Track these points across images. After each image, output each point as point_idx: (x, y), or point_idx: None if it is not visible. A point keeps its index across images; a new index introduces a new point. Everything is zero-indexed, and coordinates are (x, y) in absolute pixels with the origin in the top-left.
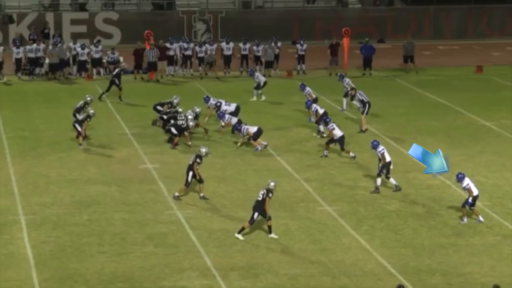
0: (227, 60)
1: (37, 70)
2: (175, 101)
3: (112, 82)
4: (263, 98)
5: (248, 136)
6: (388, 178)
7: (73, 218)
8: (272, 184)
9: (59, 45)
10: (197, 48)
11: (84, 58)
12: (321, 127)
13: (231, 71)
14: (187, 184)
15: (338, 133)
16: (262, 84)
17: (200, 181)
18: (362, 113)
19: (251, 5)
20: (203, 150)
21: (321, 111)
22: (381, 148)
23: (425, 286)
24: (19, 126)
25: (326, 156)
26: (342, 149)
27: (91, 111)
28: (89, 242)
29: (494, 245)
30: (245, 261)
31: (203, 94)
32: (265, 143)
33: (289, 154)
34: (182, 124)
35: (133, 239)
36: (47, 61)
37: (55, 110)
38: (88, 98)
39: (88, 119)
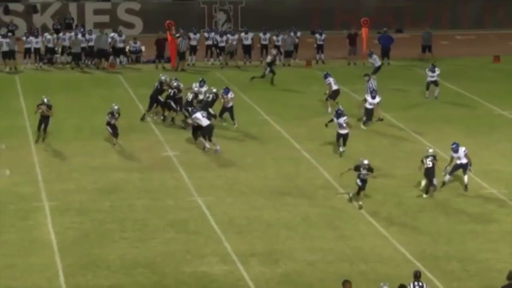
0: (247, 49)
1: (55, 58)
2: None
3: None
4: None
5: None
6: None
7: (95, 204)
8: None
9: (97, 35)
10: (218, 38)
11: (122, 45)
12: (368, 122)
13: (252, 61)
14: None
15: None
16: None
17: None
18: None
19: None
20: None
21: (334, 87)
22: (463, 149)
23: (442, 272)
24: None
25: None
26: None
27: (115, 107)
28: (111, 228)
29: (510, 232)
30: (265, 247)
31: (223, 83)
32: (212, 146)
33: (309, 143)
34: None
35: (154, 225)
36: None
37: (77, 98)
38: (115, 107)
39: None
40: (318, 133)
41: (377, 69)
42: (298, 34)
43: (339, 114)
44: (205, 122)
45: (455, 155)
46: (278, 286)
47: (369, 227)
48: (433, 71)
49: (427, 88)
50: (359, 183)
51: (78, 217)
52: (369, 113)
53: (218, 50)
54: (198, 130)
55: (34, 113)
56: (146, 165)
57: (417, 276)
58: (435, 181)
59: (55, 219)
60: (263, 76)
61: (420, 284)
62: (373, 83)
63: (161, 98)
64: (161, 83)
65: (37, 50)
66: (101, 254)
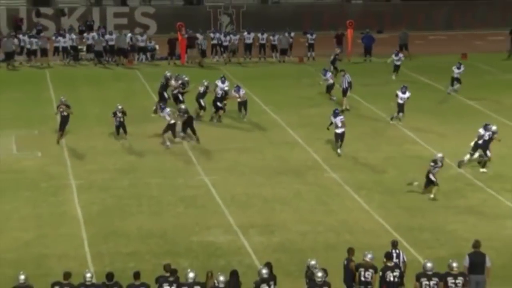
0: (248, 48)
1: (80, 56)
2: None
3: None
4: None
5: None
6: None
7: (115, 183)
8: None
9: (117, 35)
10: (222, 38)
11: (143, 44)
12: (400, 114)
13: (251, 58)
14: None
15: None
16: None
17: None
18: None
19: (268, 0)
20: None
21: (330, 81)
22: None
23: (416, 241)
24: (70, 104)
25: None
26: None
27: (119, 107)
28: (129, 204)
29: (476, 207)
30: (262, 220)
31: (226, 77)
32: (168, 143)
33: (301, 129)
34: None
35: (167, 201)
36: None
37: (99, 91)
38: (119, 107)
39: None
40: (309, 121)
41: (329, 88)
42: (292, 34)
43: (336, 114)
44: (170, 119)
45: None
46: (273, 253)
47: (353, 203)
48: (459, 68)
49: (452, 84)
50: (432, 178)
51: (101, 193)
52: (401, 107)
53: (222, 49)
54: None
55: (55, 114)
56: (159, 149)
57: (394, 245)
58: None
59: (81, 195)
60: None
61: (397, 251)
62: (347, 78)
63: (166, 94)
64: (166, 79)
65: (64, 49)
66: (121, 226)
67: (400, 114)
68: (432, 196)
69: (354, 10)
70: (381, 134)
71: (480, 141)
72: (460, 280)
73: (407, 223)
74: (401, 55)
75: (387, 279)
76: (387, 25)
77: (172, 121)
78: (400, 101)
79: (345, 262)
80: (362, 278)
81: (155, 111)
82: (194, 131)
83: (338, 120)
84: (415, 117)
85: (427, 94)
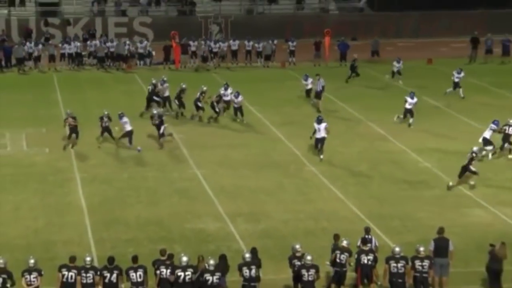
0: (234, 54)
1: (84, 61)
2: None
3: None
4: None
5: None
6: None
7: (116, 176)
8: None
9: (117, 43)
10: (212, 45)
11: (142, 51)
12: (411, 120)
13: (238, 63)
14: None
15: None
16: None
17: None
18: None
19: (254, 11)
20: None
21: (309, 86)
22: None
23: (386, 227)
24: (74, 105)
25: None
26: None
27: (105, 113)
28: (129, 195)
29: (440, 197)
30: (249, 209)
31: (216, 80)
32: (128, 144)
33: (283, 127)
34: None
35: (162, 192)
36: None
37: (102, 93)
38: (106, 113)
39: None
40: (291, 120)
41: (308, 92)
42: (275, 41)
43: (319, 121)
44: (128, 127)
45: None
46: (259, 239)
47: (330, 193)
48: (459, 73)
49: (454, 88)
50: (473, 169)
51: (103, 185)
52: (409, 112)
53: (212, 55)
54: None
55: (63, 127)
56: (155, 145)
57: (367, 231)
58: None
59: (85, 187)
60: (350, 77)
61: (369, 237)
62: (322, 81)
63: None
64: (154, 85)
65: (70, 55)
66: (121, 215)
67: (411, 120)
68: (472, 183)
69: (330, 20)
70: (355, 131)
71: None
72: (426, 263)
73: (378, 212)
74: (462, 73)
75: (362, 262)
76: (360, 33)
77: (129, 128)
78: (408, 106)
79: (332, 247)
80: (338, 260)
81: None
82: (160, 135)
83: (322, 126)
84: (385, 115)
85: (396, 95)
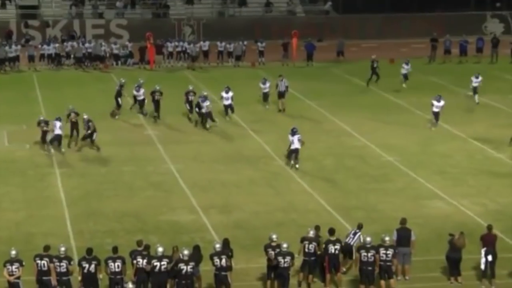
0: (206, 54)
1: (63, 61)
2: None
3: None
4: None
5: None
6: None
7: (94, 170)
8: None
9: (93, 44)
10: (186, 46)
11: (117, 52)
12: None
13: (210, 63)
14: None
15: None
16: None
17: None
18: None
19: (225, 14)
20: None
21: (266, 89)
22: None
23: (351, 219)
24: (54, 103)
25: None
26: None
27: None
28: (106, 188)
29: (402, 189)
30: (221, 201)
31: (189, 80)
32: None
33: (252, 124)
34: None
35: (138, 186)
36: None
37: (80, 91)
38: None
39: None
40: (260, 117)
41: (266, 95)
42: (245, 42)
43: (294, 132)
44: (58, 131)
45: None
46: (231, 230)
47: (298, 186)
48: (477, 78)
49: (474, 93)
50: None
51: (81, 179)
52: (436, 115)
53: (185, 55)
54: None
55: (66, 123)
56: (132, 141)
57: (359, 227)
58: None
59: (64, 181)
60: (370, 80)
61: (358, 232)
62: (285, 82)
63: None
64: (121, 85)
65: (49, 55)
66: (99, 207)
67: (437, 122)
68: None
69: (298, 22)
70: (321, 128)
71: None
72: (390, 252)
73: (344, 204)
74: (480, 78)
75: (329, 251)
76: (326, 35)
77: (59, 132)
78: (436, 110)
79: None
80: (306, 250)
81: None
82: (83, 138)
83: (296, 138)
84: (350, 113)
85: (360, 93)
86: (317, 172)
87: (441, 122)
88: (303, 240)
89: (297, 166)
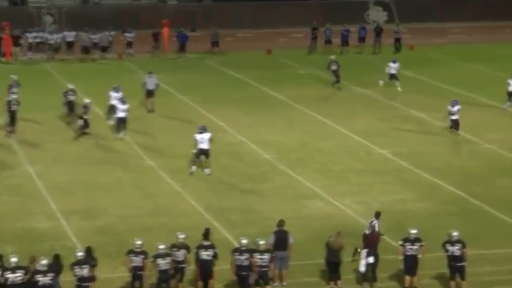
0: (70, 46)
1: None
2: None
3: None
4: None
5: None
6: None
7: None
8: None
9: None
10: (48, 36)
11: None
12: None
13: (74, 55)
14: None
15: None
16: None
17: None
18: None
19: (89, 1)
20: None
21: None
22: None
23: (226, 221)
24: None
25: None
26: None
27: None
28: None
29: (280, 188)
30: (84, 206)
31: (50, 74)
32: None
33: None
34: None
35: None
36: None
37: None
38: None
39: None
40: (130, 114)
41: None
42: (112, 33)
43: (203, 130)
44: None
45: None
46: (95, 236)
47: (168, 187)
48: (394, 63)
49: (393, 79)
50: None
51: None
52: (455, 123)
53: (47, 47)
54: None
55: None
56: None
57: (377, 215)
58: None
59: None
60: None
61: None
62: (154, 79)
63: None
64: None
65: None
66: None
67: (456, 131)
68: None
69: (169, 10)
70: (195, 124)
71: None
72: (266, 256)
73: (218, 205)
74: (397, 63)
75: (200, 258)
76: (199, 24)
77: None
78: (454, 117)
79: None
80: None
81: None
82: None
83: (206, 137)
84: (225, 107)
85: (236, 87)
86: (187, 170)
87: (322, 117)
88: (172, 247)
89: (207, 171)
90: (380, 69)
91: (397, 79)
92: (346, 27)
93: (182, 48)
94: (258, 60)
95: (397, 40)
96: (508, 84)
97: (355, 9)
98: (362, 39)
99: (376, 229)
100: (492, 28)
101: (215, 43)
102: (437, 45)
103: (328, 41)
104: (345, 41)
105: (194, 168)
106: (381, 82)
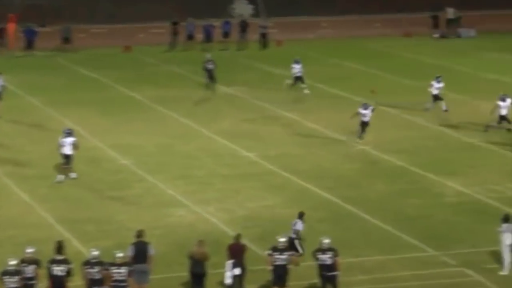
0: None
1: None
2: None
3: None
4: None
5: None
6: None
7: None
8: None
9: None
10: None
11: None
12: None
13: None
14: None
15: None
16: None
17: None
18: None
19: None
20: None
21: None
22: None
23: (80, 233)
24: None
25: None
26: None
27: None
28: None
29: (139, 196)
30: None
31: None
32: None
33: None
34: None
35: None
36: None
37: None
38: None
39: None
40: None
41: None
42: None
43: (68, 134)
44: None
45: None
46: None
47: (15, 197)
48: (298, 64)
49: (297, 81)
50: None
51: None
52: (504, 118)
53: None
54: None
55: None
56: None
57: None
58: None
59: None
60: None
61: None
62: (0, 81)
63: None
64: None
65: None
66: None
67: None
68: None
69: (15, 4)
70: (45, 127)
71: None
72: (123, 270)
73: (71, 216)
74: (301, 64)
75: (53, 273)
76: (49, 19)
77: None
78: (503, 112)
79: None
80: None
81: None
82: None
83: (69, 141)
84: (78, 109)
85: (91, 87)
86: (40, 179)
87: (184, 119)
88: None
89: (72, 175)
90: (246, 67)
91: (302, 81)
92: (210, 21)
93: (30, 45)
94: (115, 57)
95: (263, 36)
96: (431, 85)
97: (219, 2)
98: (226, 34)
99: (301, 228)
100: (361, 22)
101: (66, 39)
102: (306, 40)
103: (190, 37)
104: (208, 37)
105: (60, 177)
106: (288, 81)
